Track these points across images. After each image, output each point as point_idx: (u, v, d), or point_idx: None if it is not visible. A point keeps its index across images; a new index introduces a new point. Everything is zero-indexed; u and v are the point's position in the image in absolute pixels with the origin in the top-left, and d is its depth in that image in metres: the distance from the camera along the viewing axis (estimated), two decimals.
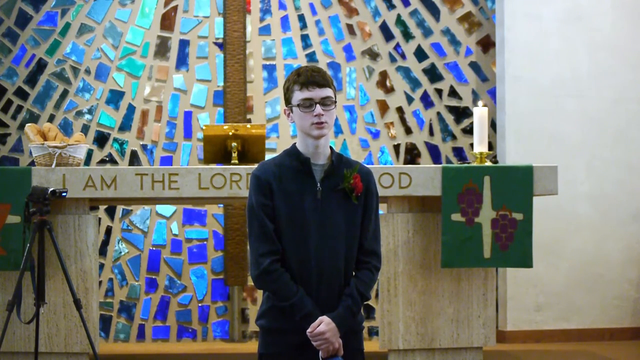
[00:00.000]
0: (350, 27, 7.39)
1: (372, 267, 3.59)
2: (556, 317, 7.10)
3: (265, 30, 7.35)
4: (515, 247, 5.56)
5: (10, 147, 7.16)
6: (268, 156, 6.05)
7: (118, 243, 7.16)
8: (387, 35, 7.41)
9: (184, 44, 7.29)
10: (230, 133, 6.05)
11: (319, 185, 3.53)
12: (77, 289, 5.47)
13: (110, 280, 7.12)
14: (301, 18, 7.38)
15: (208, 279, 7.18)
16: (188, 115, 7.28)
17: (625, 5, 7.28)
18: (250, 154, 6.08)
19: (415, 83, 7.41)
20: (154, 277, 7.16)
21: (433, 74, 7.42)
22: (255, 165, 3.68)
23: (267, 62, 7.34)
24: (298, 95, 3.51)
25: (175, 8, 7.31)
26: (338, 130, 7.32)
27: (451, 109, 7.43)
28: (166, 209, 7.19)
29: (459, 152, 7.39)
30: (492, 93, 7.38)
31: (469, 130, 7.32)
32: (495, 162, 5.95)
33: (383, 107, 7.39)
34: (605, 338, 7.09)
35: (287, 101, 3.56)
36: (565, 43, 7.21)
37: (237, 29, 7.19)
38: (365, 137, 7.36)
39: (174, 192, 5.50)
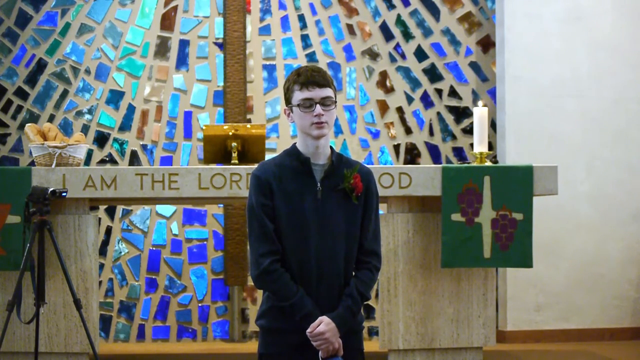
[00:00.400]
0: (350, 27, 7.39)
1: (372, 267, 3.59)
2: (556, 317, 7.10)
3: (265, 30, 7.35)
4: (515, 247, 5.56)
5: (10, 147, 7.16)
6: (268, 156, 6.05)
7: (118, 243, 7.16)
8: (387, 35, 7.41)
9: (184, 44, 7.30)
10: (230, 133, 6.05)
11: (319, 185, 3.53)
12: (77, 289, 5.48)
13: (110, 280, 7.12)
14: (301, 18, 7.38)
15: (208, 279, 7.18)
16: (188, 115, 7.28)
17: (625, 5, 7.28)
18: (250, 154, 6.08)
19: (415, 83, 7.41)
20: (154, 277, 7.16)
21: (433, 74, 7.42)
22: (255, 165, 3.68)
23: (267, 62, 7.34)
24: (298, 95, 3.51)
25: (175, 8, 7.31)
26: (338, 130, 7.32)
27: (451, 109, 7.43)
28: (166, 209, 7.19)
29: (459, 152, 7.39)
30: (492, 93, 7.38)
31: (469, 130, 7.32)
32: (495, 162, 5.95)
33: (383, 107, 7.39)
34: (605, 338, 7.09)
35: (287, 101, 3.56)
36: (565, 43, 7.21)
37: (237, 29, 7.19)
38: (365, 137, 7.36)
39: (174, 192, 5.50)
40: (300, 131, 3.54)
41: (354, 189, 3.54)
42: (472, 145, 6.78)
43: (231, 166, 5.67)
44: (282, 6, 7.36)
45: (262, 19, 7.35)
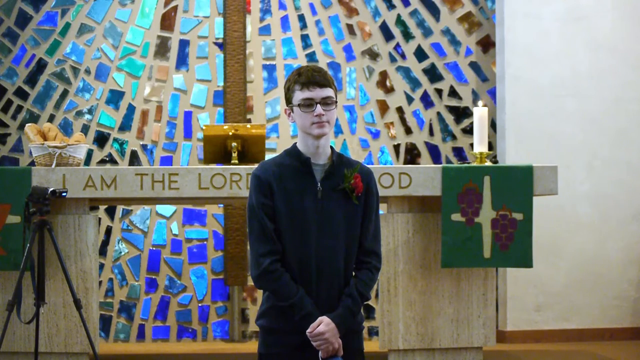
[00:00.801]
0: (350, 27, 7.39)
1: (372, 267, 3.59)
2: (556, 317, 7.09)
3: (265, 30, 7.35)
4: (515, 247, 5.56)
5: (10, 147, 7.16)
6: (268, 156, 6.05)
7: (118, 243, 7.16)
8: (387, 35, 7.41)
9: (184, 44, 7.29)
10: (230, 133, 6.05)
11: (319, 185, 3.53)
12: (77, 289, 5.48)
13: (110, 280, 7.12)
14: (301, 18, 7.38)
15: (208, 279, 7.18)
16: (188, 115, 7.28)
17: (625, 5, 7.28)
18: (250, 154, 6.08)
19: (415, 83, 7.41)
20: (154, 277, 7.16)
21: (433, 74, 7.42)
22: (256, 165, 3.68)
23: (267, 62, 7.34)
24: (299, 95, 3.51)
25: (175, 8, 7.31)
26: (338, 130, 7.32)
27: (451, 109, 7.43)
28: (166, 209, 7.19)
29: (459, 152, 7.39)
30: (492, 93, 7.38)
31: (469, 130, 7.32)
32: (495, 162, 5.95)
33: (383, 107, 7.39)
34: (605, 338, 7.09)
35: (288, 101, 3.56)
36: (565, 43, 7.21)
37: (237, 29, 7.19)
38: (365, 137, 7.36)
39: (174, 192, 5.50)
40: (301, 131, 3.54)
41: (354, 189, 3.54)
42: (472, 145, 6.78)
43: (231, 166, 5.67)
44: (282, 6, 7.36)
45: (262, 19, 7.35)
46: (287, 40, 7.36)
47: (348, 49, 7.38)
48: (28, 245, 5.04)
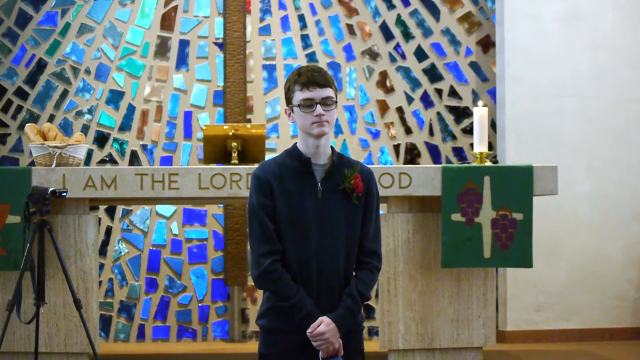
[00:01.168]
0: (350, 27, 7.39)
1: (372, 267, 3.59)
2: (556, 317, 7.09)
3: (265, 30, 7.35)
4: (515, 247, 5.56)
5: (10, 147, 7.16)
6: (268, 156, 6.05)
7: (118, 243, 7.16)
8: (387, 35, 7.41)
9: (184, 44, 7.29)
10: (230, 133, 6.05)
11: (319, 185, 3.53)
12: (77, 289, 5.47)
13: (110, 280, 7.12)
14: (301, 18, 7.38)
15: (208, 279, 7.18)
16: (188, 115, 7.28)
17: (625, 5, 7.28)
18: (250, 154, 6.08)
19: (415, 83, 7.41)
20: (154, 277, 7.16)
21: (433, 74, 7.42)
22: (256, 165, 3.68)
23: (267, 62, 7.34)
24: (299, 96, 3.51)
25: (175, 8, 7.31)
26: (338, 130, 7.32)
27: (451, 109, 7.43)
28: (166, 209, 7.19)
29: (459, 152, 7.39)
30: (492, 93, 7.38)
31: (469, 130, 7.32)
32: (495, 162, 5.95)
33: (383, 107, 7.39)
34: (605, 338, 7.09)
35: (288, 101, 3.56)
36: (565, 43, 7.21)
37: (237, 29, 7.19)
38: (365, 137, 7.36)
39: (174, 192, 5.50)
40: (301, 131, 3.54)
41: (354, 189, 3.54)
42: (472, 145, 6.78)
43: (231, 166, 5.66)
44: (282, 6, 7.36)
45: (262, 19, 7.35)
46: (287, 40, 7.36)
47: (348, 49, 7.38)
48: (28, 245, 5.04)
